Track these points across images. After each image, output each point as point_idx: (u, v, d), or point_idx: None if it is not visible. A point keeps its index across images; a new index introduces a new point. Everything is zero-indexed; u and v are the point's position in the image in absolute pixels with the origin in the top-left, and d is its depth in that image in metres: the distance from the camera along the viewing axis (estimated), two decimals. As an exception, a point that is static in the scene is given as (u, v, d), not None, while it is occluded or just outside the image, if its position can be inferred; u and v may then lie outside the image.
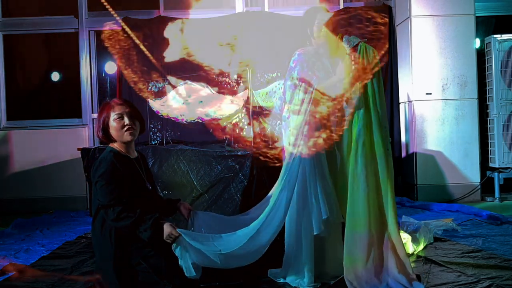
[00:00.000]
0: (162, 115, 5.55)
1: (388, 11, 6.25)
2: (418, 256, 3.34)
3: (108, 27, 6.61)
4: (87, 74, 6.53)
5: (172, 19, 6.22)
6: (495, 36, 5.64)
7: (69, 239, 4.28)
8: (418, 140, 5.71)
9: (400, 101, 6.14)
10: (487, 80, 5.78)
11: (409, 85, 5.82)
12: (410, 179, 5.85)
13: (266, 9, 6.46)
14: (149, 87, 6.10)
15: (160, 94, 6.07)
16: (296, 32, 3.16)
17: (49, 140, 6.21)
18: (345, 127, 2.77)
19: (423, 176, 5.69)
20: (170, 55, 5.72)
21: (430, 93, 5.70)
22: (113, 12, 5.83)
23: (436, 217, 4.61)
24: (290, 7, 6.53)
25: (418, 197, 5.67)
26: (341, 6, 6.37)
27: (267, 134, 4.27)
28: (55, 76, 6.92)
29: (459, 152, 5.67)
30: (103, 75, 6.93)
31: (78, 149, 5.21)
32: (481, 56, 5.86)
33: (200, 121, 6.17)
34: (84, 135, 6.37)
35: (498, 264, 3.09)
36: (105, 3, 5.26)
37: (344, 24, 6.00)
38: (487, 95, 5.79)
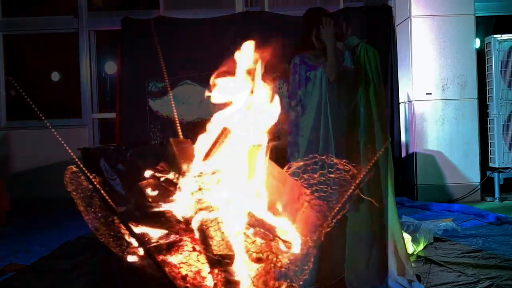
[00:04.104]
0: (162, 115, 5.55)
1: (388, 11, 6.25)
2: (418, 256, 3.33)
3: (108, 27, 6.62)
4: (87, 74, 6.53)
5: (172, 19, 6.22)
6: (495, 36, 5.63)
7: (69, 239, 4.27)
8: (418, 140, 5.71)
9: (400, 101, 6.14)
10: (487, 80, 5.78)
11: (409, 85, 5.82)
12: (410, 179, 5.85)
13: (266, 9, 6.46)
14: (149, 87, 6.11)
15: (160, 94, 6.07)
16: (296, 32, 3.16)
17: (49, 140, 6.18)
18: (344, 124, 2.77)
19: (423, 176, 5.69)
20: (171, 55, 5.72)
21: (430, 93, 5.69)
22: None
23: (436, 217, 4.60)
24: (290, 7, 6.53)
25: (418, 197, 5.66)
26: (341, 6, 6.37)
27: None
28: (55, 76, 6.93)
29: (459, 152, 5.67)
30: (103, 75, 6.94)
31: (78, 149, 5.21)
32: (481, 56, 5.85)
33: (200, 121, 6.16)
34: (84, 135, 6.37)
35: (498, 264, 3.09)
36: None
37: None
38: (487, 95, 5.78)
